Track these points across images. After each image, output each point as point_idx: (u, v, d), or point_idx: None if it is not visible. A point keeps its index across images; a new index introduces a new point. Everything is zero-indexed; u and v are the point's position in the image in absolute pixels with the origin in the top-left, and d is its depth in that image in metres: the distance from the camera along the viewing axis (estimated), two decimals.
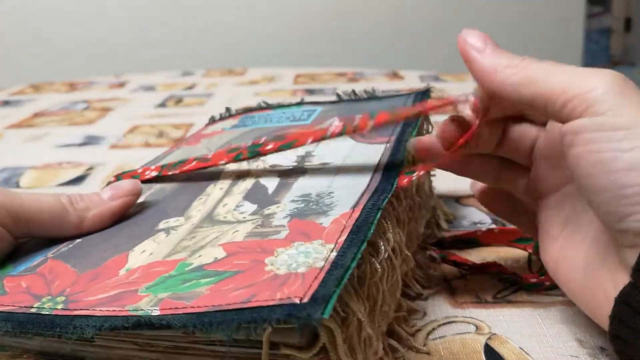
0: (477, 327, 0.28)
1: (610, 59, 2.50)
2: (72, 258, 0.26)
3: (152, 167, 0.35)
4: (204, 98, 0.85)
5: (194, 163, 0.33)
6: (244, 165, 0.34)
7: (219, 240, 0.25)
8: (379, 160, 0.30)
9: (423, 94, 0.40)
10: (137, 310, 0.20)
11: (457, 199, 0.44)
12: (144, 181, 0.34)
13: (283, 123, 0.40)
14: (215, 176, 0.33)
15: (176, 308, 0.20)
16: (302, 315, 0.17)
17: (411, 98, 0.40)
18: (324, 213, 0.25)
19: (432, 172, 0.39)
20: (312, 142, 0.30)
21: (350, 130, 0.29)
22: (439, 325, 0.28)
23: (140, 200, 0.31)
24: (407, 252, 0.27)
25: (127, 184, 0.31)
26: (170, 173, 0.34)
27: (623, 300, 0.21)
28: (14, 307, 0.22)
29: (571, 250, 0.26)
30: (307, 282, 0.19)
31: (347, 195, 0.27)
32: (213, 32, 1.73)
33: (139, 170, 0.35)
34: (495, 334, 0.28)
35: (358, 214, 0.24)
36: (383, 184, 0.27)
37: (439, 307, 0.30)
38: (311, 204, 0.27)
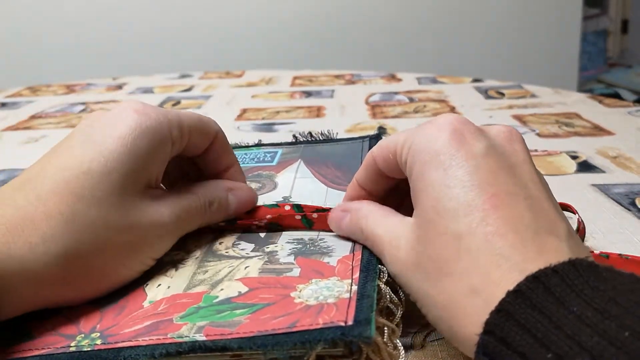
0: None
1: (606, 60, 2.51)
2: None
3: None
4: (202, 100, 0.85)
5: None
6: None
7: (234, 275, 0.27)
8: None
9: (376, 139, 0.43)
10: (182, 337, 0.21)
11: None
12: None
13: (249, 164, 0.42)
14: None
15: (222, 334, 0.21)
16: (354, 334, 0.21)
17: (366, 142, 0.44)
18: (326, 254, 0.28)
19: None
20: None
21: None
22: None
23: None
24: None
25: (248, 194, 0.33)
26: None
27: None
28: (50, 350, 0.22)
29: None
30: (342, 310, 0.22)
31: (337, 239, 0.30)
32: (211, 34, 1.73)
33: None
34: None
35: (359, 256, 0.27)
36: None
37: None
38: (308, 245, 0.29)
